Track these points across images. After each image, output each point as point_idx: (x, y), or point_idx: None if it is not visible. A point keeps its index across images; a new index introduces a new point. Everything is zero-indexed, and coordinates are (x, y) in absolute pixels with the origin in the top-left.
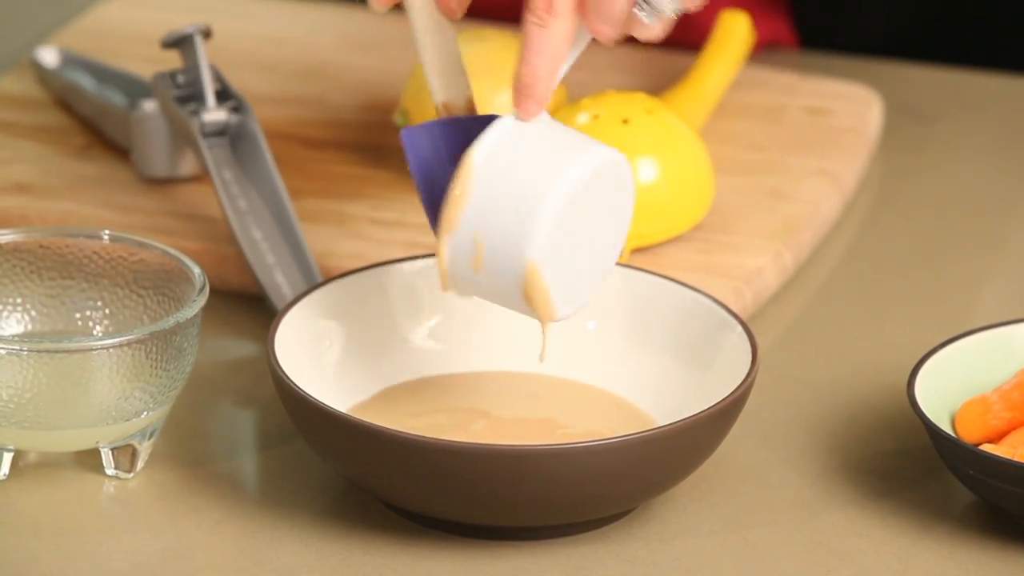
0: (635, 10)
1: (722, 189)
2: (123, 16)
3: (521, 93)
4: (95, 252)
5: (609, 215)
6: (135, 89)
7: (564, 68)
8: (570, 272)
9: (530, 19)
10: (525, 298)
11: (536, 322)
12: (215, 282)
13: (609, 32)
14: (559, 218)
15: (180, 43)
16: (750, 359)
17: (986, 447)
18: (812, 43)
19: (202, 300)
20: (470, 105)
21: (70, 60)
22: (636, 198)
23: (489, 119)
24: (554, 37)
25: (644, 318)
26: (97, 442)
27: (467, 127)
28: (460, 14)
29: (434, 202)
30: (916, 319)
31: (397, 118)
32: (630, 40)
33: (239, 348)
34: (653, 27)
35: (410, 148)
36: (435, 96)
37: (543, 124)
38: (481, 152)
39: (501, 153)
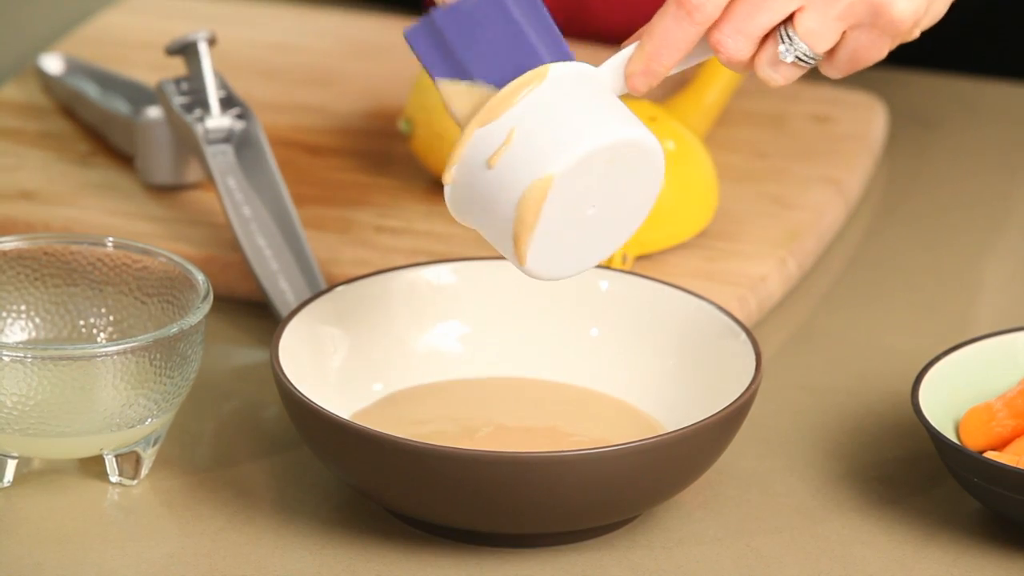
0: (774, 41)
1: (726, 196)
2: (127, 23)
3: (640, 72)
4: (99, 259)
5: (622, 209)
6: (139, 96)
7: (677, 68)
8: (562, 233)
9: (674, 6)
10: (516, 214)
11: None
12: (219, 289)
13: (734, 50)
14: (597, 155)
15: (184, 50)
16: (754, 366)
17: (990, 454)
18: None
19: (206, 307)
20: None
21: (74, 67)
22: None
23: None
24: (691, 31)
25: (648, 325)
26: (101, 449)
27: (469, 10)
28: None
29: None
30: (920, 326)
31: (401, 125)
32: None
33: (243, 355)
34: (780, 68)
35: (416, 45)
36: None
37: (614, 83)
38: (560, 68)
39: (575, 79)
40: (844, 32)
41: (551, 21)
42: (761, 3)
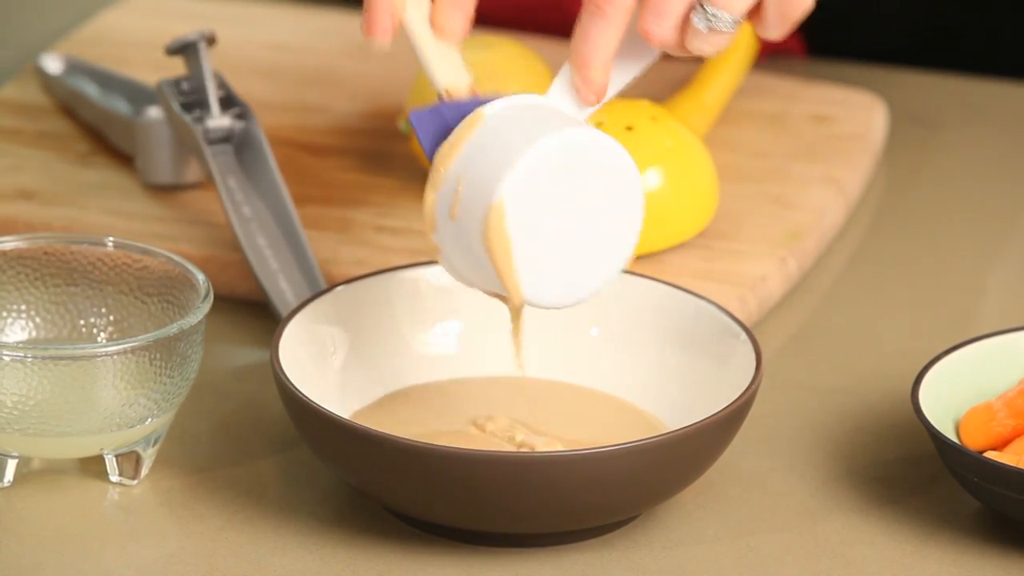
0: (692, 15)
1: (726, 196)
2: (127, 23)
3: (582, 83)
4: (99, 259)
5: (609, 216)
6: (139, 96)
7: (626, 79)
8: (549, 256)
9: (587, 7)
10: (489, 250)
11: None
12: (219, 289)
13: (661, 34)
14: (536, 168)
15: (184, 50)
16: (754, 366)
17: (990, 454)
18: (819, 51)
19: (206, 307)
20: (473, 90)
21: (74, 67)
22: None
23: (495, 97)
24: (609, 27)
25: (648, 325)
26: (101, 449)
27: (475, 108)
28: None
29: None
30: (920, 326)
31: (401, 125)
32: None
33: (243, 355)
34: (706, 38)
35: (420, 129)
36: (437, 84)
37: (567, 106)
38: (494, 106)
39: (508, 113)
40: None
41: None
42: None
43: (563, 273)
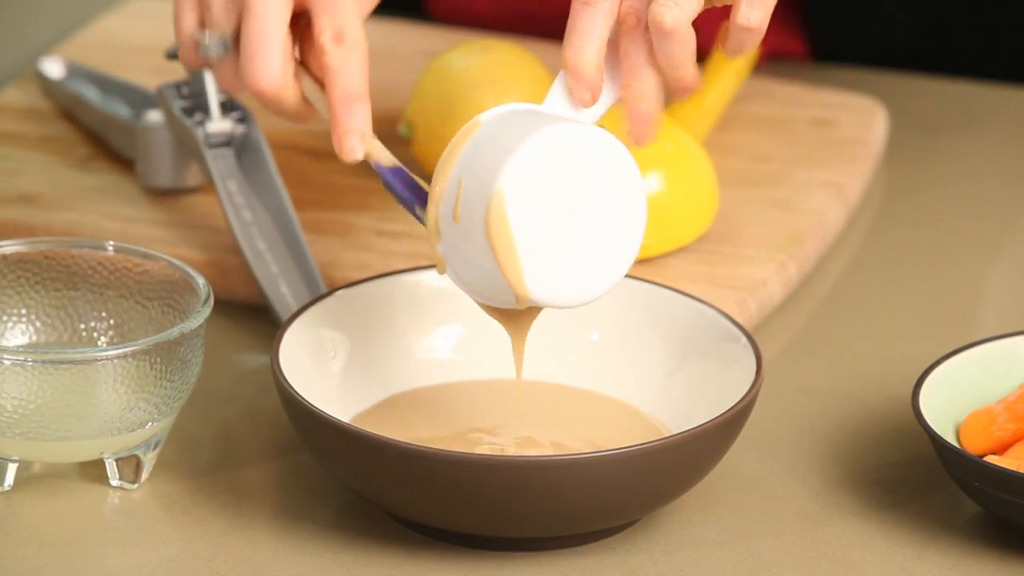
0: None
1: (727, 200)
2: (128, 27)
3: (572, 78)
4: (100, 263)
5: (612, 214)
6: (140, 100)
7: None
8: (553, 253)
9: (575, 1)
10: (493, 247)
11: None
12: (220, 293)
13: (674, 17)
14: (535, 159)
15: None
16: (754, 370)
17: (991, 459)
18: (821, 55)
19: (206, 311)
20: None
21: (75, 71)
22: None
23: None
24: (596, 15)
25: (649, 329)
26: (101, 453)
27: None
28: None
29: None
30: (921, 330)
31: (402, 129)
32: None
33: (243, 359)
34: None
35: (392, 185)
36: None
37: (564, 111)
38: (487, 115)
39: (505, 117)
40: None
41: None
42: None
43: (568, 271)
